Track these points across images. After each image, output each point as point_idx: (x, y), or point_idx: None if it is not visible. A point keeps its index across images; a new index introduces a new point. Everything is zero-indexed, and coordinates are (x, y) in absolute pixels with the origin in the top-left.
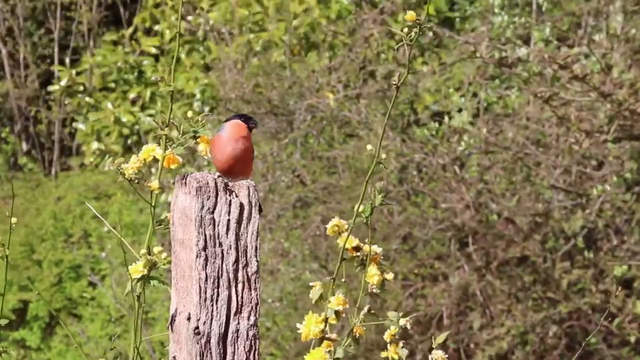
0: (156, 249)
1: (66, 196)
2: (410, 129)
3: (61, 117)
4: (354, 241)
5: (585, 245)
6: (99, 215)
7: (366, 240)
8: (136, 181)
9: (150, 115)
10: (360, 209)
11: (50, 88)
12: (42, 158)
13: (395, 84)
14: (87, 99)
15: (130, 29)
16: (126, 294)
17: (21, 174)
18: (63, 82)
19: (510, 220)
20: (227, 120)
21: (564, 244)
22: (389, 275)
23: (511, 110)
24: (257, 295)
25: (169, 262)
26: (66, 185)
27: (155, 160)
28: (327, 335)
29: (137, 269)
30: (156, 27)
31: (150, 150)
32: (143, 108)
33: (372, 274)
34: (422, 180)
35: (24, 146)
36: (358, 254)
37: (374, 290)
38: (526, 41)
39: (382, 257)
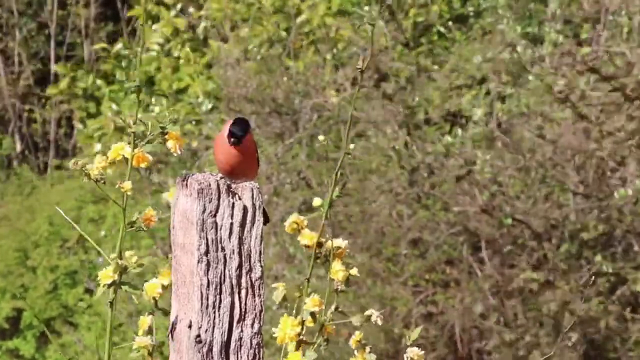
0: (128, 253)
1: (62, 200)
2: (421, 130)
3: (57, 116)
4: (314, 237)
5: (603, 253)
6: (72, 223)
7: (327, 236)
8: (102, 182)
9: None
10: (318, 203)
11: (49, 91)
12: (36, 159)
13: (359, 68)
14: (84, 103)
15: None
16: (96, 298)
17: (15, 176)
18: (62, 85)
19: (524, 223)
20: (230, 121)
21: (579, 248)
22: (354, 271)
23: (526, 108)
24: (261, 302)
25: (140, 266)
26: (62, 188)
27: (126, 159)
28: (304, 339)
29: (107, 275)
30: (154, 27)
31: (119, 148)
32: (147, 108)
33: (337, 270)
34: (432, 183)
35: (18, 147)
36: (320, 250)
37: (339, 287)
38: (540, 41)
39: (347, 251)
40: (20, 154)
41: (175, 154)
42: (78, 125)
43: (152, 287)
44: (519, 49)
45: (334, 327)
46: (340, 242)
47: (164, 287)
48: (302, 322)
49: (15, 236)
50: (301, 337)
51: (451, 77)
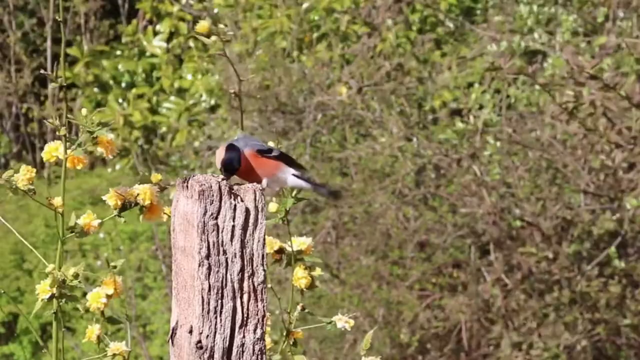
0: (66, 266)
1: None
2: (428, 129)
3: (55, 115)
4: (275, 244)
5: (617, 253)
6: (22, 239)
7: (287, 242)
8: (32, 192)
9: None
10: (274, 209)
11: (61, 74)
12: (33, 159)
13: (233, 92)
14: (96, 90)
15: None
16: (35, 312)
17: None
18: (77, 69)
19: (534, 226)
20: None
21: (590, 249)
22: (317, 271)
23: (536, 108)
24: (263, 306)
25: (76, 276)
26: (59, 189)
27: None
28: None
29: (44, 288)
30: (157, 27)
31: (53, 149)
32: (152, 109)
33: (299, 277)
34: (440, 184)
35: (14, 146)
36: (280, 257)
37: (304, 289)
38: (551, 32)
39: (312, 250)
40: (16, 154)
41: (107, 158)
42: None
43: (96, 297)
44: (535, 35)
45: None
46: (305, 241)
47: (108, 297)
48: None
49: (11, 238)
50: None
51: (458, 77)
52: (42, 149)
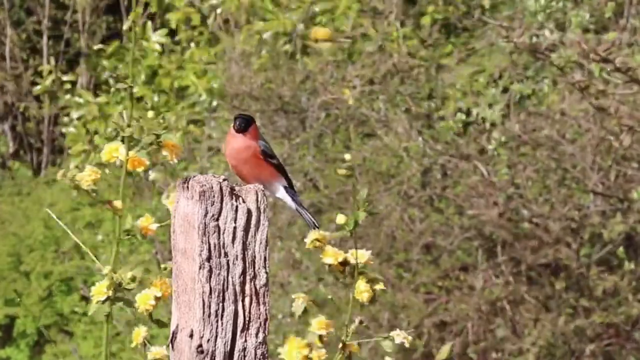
0: (122, 270)
1: (57, 202)
2: (434, 129)
3: (52, 114)
4: (339, 255)
5: (626, 255)
6: (60, 223)
7: (351, 253)
8: (94, 193)
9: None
10: (342, 220)
11: (35, 88)
12: (30, 160)
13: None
14: (76, 98)
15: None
16: (91, 313)
17: (9, 176)
18: (48, 81)
19: (542, 227)
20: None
21: (600, 251)
22: (379, 285)
23: (545, 106)
24: (266, 310)
25: (133, 279)
26: (57, 189)
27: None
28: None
29: (101, 291)
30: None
31: (113, 149)
32: (153, 108)
33: (361, 291)
34: (447, 185)
35: (11, 146)
36: (344, 268)
37: (365, 304)
38: (562, 28)
39: (371, 263)
40: (13, 154)
41: (171, 163)
42: (69, 130)
43: (145, 299)
44: (546, 32)
45: (358, 344)
46: (365, 255)
47: (156, 299)
48: (310, 345)
49: (8, 240)
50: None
51: (466, 76)
52: (39, 149)
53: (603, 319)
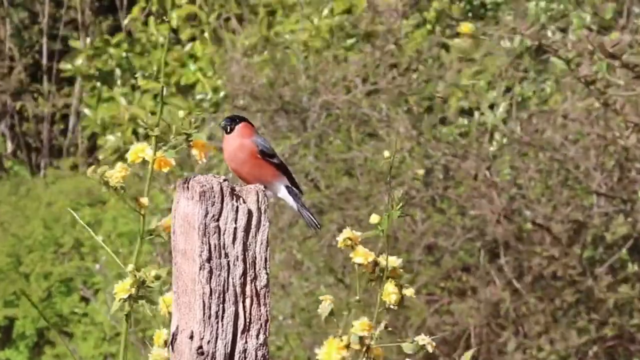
0: (148, 267)
1: (57, 202)
2: (436, 129)
3: (50, 113)
4: (369, 255)
5: (629, 257)
6: (85, 226)
7: (382, 254)
8: (122, 190)
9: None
10: (375, 220)
11: (62, 66)
12: (29, 160)
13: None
14: (99, 84)
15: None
16: (114, 312)
17: (7, 177)
18: (79, 61)
19: (545, 228)
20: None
21: (603, 253)
22: (409, 291)
23: (547, 107)
24: (266, 311)
25: (157, 278)
26: (56, 190)
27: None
28: None
29: (124, 288)
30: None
31: (140, 150)
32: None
33: (389, 293)
34: (448, 186)
35: (9, 146)
36: (374, 269)
37: (391, 307)
38: (563, 30)
39: (401, 269)
40: (11, 154)
41: (200, 162)
42: (85, 110)
43: (169, 301)
44: (549, 32)
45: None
46: (395, 261)
47: None
48: (348, 346)
49: (8, 240)
50: None
51: (469, 75)
52: (37, 148)
53: (615, 332)
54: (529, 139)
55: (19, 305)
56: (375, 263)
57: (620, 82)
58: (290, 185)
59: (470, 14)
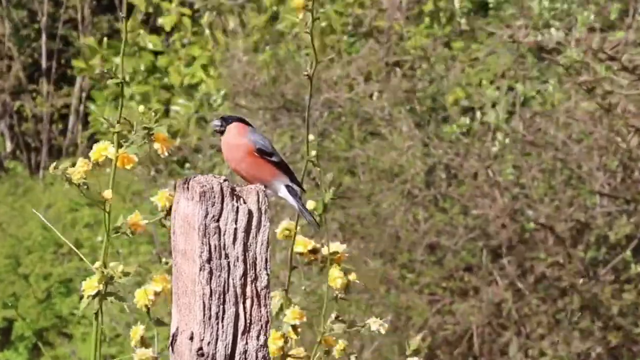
0: (113, 263)
1: (56, 203)
2: (439, 128)
3: (50, 112)
4: (308, 244)
5: (633, 258)
6: (60, 235)
7: (323, 242)
8: (85, 186)
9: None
10: (312, 206)
11: (76, 64)
12: (28, 160)
13: (307, 75)
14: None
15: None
16: (82, 310)
17: (6, 177)
18: (93, 61)
19: (548, 228)
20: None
21: (606, 254)
22: (353, 276)
23: (550, 106)
24: (267, 312)
25: (126, 275)
26: (56, 190)
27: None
28: (289, 352)
29: (92, 285)
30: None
31: (102, 149)
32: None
33: (335, 277)
34: (451, 185)
35: (8, 146)
36: (316, 257)
37: (339, 295)
38: (567, 28)
39: (346, 256)
40: (10, 153)
41: (162, 156)
42: (92, 107)
43: (143, 295)
44: (552, 30)
45: (335, 338)
46: (339, 247)
47: (156, 294)
48: (284, 336)
49: (6, 241)
50: (285, 351)
51: (470, 74)
52: (37, 148)
53: (619, 339)
54: (532, 138)
55: (18, 306)
56: (315, 250)
57: (624, 82)
58: (290, 185)
59: (472, 13)
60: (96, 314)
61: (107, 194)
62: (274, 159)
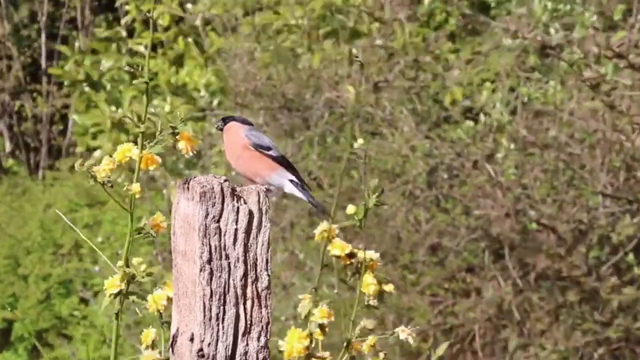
0: (135, 260)
1: (55, 203)
2: (440, 128)
3: (50, 113)
4: (346, 247)
5: (636, 260)
6: (73, 227)
7: (360, 246)
8: (109, 185)
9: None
10: (352, 211)
11: (51, 71)
12: (27, 160)
13: (357, 58)
14: (87, 89)
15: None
16: (104, 309)
17: (5, 177)
18: (67, 67)
19: (550, 228)
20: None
21: (609, 254)
22: (389, 287)
23: (552, 106)
24: (268, 313)
25: (149, 275)
26: (55, 190)
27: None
28: (314, 353)
29: (114, 283)
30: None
31: (126, 150)
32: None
33: (368, 284)
34: (453, 185)
35: (8, 146)
36: (351, 261)
37: (371, 302)
38: (568, 29)
39: (379, 264)
40: (10, 153)
41: (187, 156)
42: (74, 117)
43: (158, 298)
44: (552, 30)
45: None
46: (373, 255)
47: (169, 299)
48: (311, 335)
49: (6, 242)
50: (310, 351)
51: (471, 74)
52: (36, 148)
53: (620, 333)
54: (534, 138)
55: (17, 307)
56: (352, 255)
57: (628, 82)
58: (294, 179)
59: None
60: (117, 313)
61: (135, 187)
62: (271, 153)
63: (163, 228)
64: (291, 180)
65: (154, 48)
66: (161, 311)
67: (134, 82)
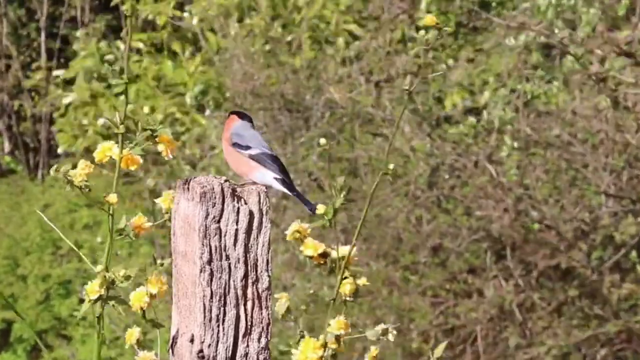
0: (115, 268)
1: (54, 203)
2: (441, 128)
3: (49, 112)
4: (319, 247)
5: (638, 258)
6: (52, 225)
7: (333, 246)
8: (87, 189)
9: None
10: (322, 210)
11: (26, 84)
12: (26, 160)
13: (407, 90)
14: (66, 98)
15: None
16: (82, 314)
17: (4, 177)
18: (38, 76)
19: (552, 229)
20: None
21: (612, 254)
22: (362, 280)
23: (555, 105)
24: (268, 314)
25: (127, 279)
26: (54, 190)
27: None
28: None
29: (93, 289)
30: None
31: (107, 149)
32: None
33: (344, 283)
34: (454, 186)
35: (7, 146)
36: (325, 261)
37: (348, 299)
38: (572, 27)
39: (355, 259)
40: (9, 154)
41: (166, 158)
42: (55, 129)
43: (138, 297)
44: (555, 30)
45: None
46: (347, 250)
47: (151, 296)
48: (325, 345)
49: (4, 242)
50: None
51: (473, 74)
52: (35, 148)
53: (619, 327)
54: (537, 138)
55: (17, 308)
56: (325, 254)
57: (631, 80)
58: (278, 176)
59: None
60: (98, 318)
61: (112, 198)
62: (250, 151)
63: (145, 229)
64: (276, 178)
65: (158, 50)
66: (144, 309)
67: (113, 82)
